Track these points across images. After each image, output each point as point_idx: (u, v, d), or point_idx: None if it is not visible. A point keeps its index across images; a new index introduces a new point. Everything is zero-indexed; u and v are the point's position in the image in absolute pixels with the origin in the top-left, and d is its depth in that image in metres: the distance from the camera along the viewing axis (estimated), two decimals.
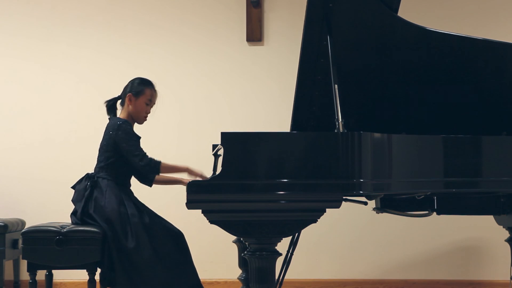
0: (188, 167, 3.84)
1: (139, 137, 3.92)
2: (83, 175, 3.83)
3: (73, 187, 3.84)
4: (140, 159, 3.67)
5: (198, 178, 3.77)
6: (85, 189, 3.75)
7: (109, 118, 3.89)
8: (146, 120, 3.93)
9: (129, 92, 3.87)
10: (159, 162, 3.71)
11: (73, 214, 3.80)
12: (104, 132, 3.82)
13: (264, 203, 2.97)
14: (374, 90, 3.72)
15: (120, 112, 3.92)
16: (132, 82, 3.92)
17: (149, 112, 3.92)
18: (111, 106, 3.94)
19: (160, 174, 3.84)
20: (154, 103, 3.93)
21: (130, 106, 3.86)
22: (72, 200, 3.80)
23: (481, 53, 3.64)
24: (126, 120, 3.80)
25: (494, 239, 5.07)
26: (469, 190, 3.43)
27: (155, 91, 3.92)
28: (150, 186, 3.97)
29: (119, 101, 3.95)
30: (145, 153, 3.71)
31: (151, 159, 3.70)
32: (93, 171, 3.83)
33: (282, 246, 3.16)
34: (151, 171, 3.73)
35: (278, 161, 2.95)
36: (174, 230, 3.76)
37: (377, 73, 3.68)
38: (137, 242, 3.60)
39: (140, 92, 3.87)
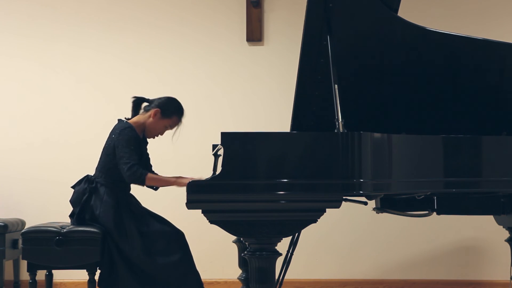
0: (177, 180, 3.61)
1: (147, 142, 3.90)
2: (83, 176, 3.82)
3: (73, 187, 3.84)
4: (128, 168, 3.57)
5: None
6: (83, 193, 3.74)
7: (118, 120, 3.83)
8: (154, 139, 3.89)
9: (159, 107, 3.80)
10: (145, 173, 3.58)
11: (71, 216, 3.80)
12: (109, 134, 3.77)
13: (264, 203, 2.97)
14: (374, 90, 3.72)
15: (138, 115, 3.86)
16: (168, 100, 3.84)
17: (162, 135, 3.88)
18: (137, 104, 3.88)
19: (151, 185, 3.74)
20: (171, 130, 3.88)
21: (151, 119, 3.80)
22: (70, 201, 3.80)
23: (481, 53, 3.64)
24: (132, 126, 3.73)
25: (494, 239, 5.07)
26: (469, 190, 3.43)
27: (181, 122, 3.86)
28: (155, 190, 3.93)
29: (144, 104, 3.87)
30: (136, 163, 3.60)
31: (137, 170, 3.58)
32: (94, 172, 3.82)
33: (282, 246, 3.16)
34: (135, 182, 3.64)
35: (278, 161, 2.95)
36: (174, 231, 3.75)
37: (377, 73, 3.68)
38: (133, 248, 3.61)
39: (168, 115, 3.81)
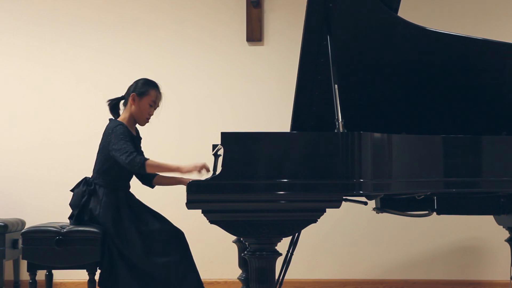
0: (179, 166, 3.60)
1: (140, 138, 3.92)
2: (82, 179, 3.81)
3: (72, 190, 3.83)
4: (126, 156, 3.55)
5: (194, 175, 3.70)
6: (82, 195, 3.73)
7: (109, 120, 3.84)
8: (148, 122, 3.87)
9: (133, 92, 3.81)
10: (144, 159, 3.57)
11: (70, 218, 3.80)
12: (102, 135, 3.77)
13: (264, 203, 2.97)
14: (374, 90, 3.72)
15: (123, 112, 3.86)
16: (137, 82, 3.86)
17: (152, 114, 3.86)
18: (113, 106, 3.89)
19: (154, 173, 3.75)
20: (158, 106, 3.87)
21: (133, 106, 3.80)
22: (70, 204, 3.79)
23: (481, 53, 3.64)
24: (123, 123, 3.74)
25: (494, 239, 5.07)
26: (469, 190, 3.42)
27: (160, 93, 3.86)
28: (152, 187, 3.95)
29: (122, 102, 3.90)
30: (133, 151, 3.58)
31: (137, 156, 3.56)
32: (91, 174, 3.82)
33: (282, 246, 3.16)
34: (136, 169, 3.59)
35: (278, 161, 2.94)
36: (174, 230, 3.75)
37: (377, 73, 3.68)
38: (133, 248, 3.61)
39: (145, 93, 3.81)
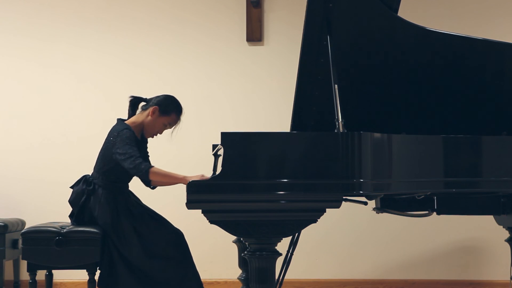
0: (186, 177, 3.41)
1: (146, 141, 3.89)
2: (81, 176, 3.81)
3: (71, 187, 3.83)
4: (131, 161, 3.49)
5: None
6: (82, 194, 3.72)
7: (117, 120, 3.79)
8: (153, 138, 3.85)
9: (157, 105, 3.76)
10: (149, 166, 3.48)
11: (71, 216, 3.79)
12: (107, 135, 3.73)
13: (264, 203, 2.97)
14: (374, 90, 3.72)
15: (136, 115, 3.82)
16: (166, 98, 3.79)
17: (161, 133, 3.83)
18: (134, 103, 3.84)
19: (155, 180, 3.65)
20: (170, 128, 3.83)
21: (149, 117, 3.75)
22: (69, 201, 3.79)
23: (481, 53, 3.64)
24: (130, 127, 3.68)
25: (494, 239, 5.07)
26: (469, 190, 3.43)
27: (179, 120, 3.81)
28: (152, 188, 3.91)
29: (142, 103, 3.84)
30: (138, 156, 3.52)
31: (141, 163, 3.48)
32: (92, 172, 3.81)
33: (282, 246, 3.16)
34: (139, 175, 3.54)
35: (278, 161, 2.95)
36: (173, 230, 3.75)
37: (377, 73, 3.68)
38: (132, 250, 3.61)
39: (167, 113, 3.76)
